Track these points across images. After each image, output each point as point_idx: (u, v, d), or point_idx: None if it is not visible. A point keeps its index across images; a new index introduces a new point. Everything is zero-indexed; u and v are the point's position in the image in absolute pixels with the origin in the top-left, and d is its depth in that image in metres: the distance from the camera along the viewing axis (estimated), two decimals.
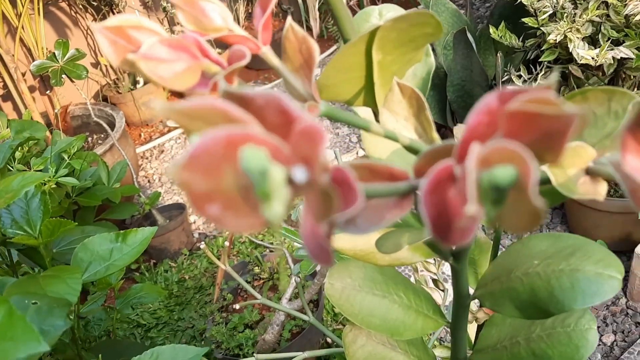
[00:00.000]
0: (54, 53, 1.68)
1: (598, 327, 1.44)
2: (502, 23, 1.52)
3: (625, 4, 1.19)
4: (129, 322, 1.58)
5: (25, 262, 0.55)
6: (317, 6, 2.98)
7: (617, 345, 1.40)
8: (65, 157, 1.36)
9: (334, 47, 2.87)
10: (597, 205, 1.54)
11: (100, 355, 0.49)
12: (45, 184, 1.22)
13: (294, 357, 0.62)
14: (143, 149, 2.34)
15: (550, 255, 0.38)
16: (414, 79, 0.32)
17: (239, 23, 2.79)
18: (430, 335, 0.85)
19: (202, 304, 1.58)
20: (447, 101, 1.77)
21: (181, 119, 0.16)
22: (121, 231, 0.53)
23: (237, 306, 0.79)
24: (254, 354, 1.17)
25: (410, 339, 0.56)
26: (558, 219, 1.74)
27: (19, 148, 1.31)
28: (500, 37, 1.53)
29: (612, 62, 1.34)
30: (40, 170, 1.26)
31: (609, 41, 1.31)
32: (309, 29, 3.04)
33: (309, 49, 0.24)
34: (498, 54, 1.48)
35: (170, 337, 1.54)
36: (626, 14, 1.19)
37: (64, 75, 1.69)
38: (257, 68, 2.81)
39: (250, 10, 2.84)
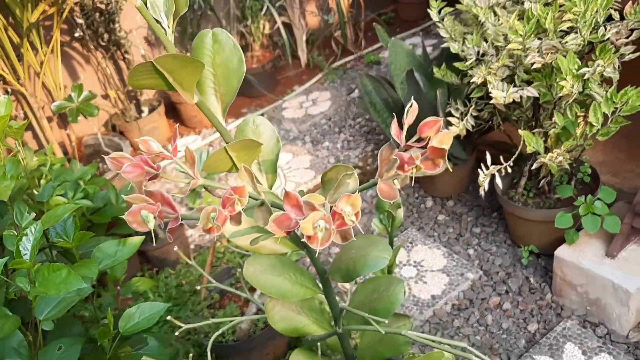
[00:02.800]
0: (70, 95, 1.99)
1: (524, 318, 1.72)
2: (443, 64, 1.81)
3: (526, 55, 1.48)
4: None
5: (61, 260, 0.85)
6: (304, 38, 3.30)
7: (538, 332, 1.67)
8: (81, 184, 1.67)
9: (319, 75, 3.17)
10: (527, 215, 1.82)
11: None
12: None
13: (236, 321, 0.91)
14: None
15: (360, 246, 0.68)
16: (255, 164, 0.62)
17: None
18: None
19: (196, 304, 1.87)
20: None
21: (130, 200, 0.45)
22: (122, 238, 0.83)
23: (198, 287, 1.07)
24: (233, 340, 1.47)
25: (309, 305, 0.86)
26: (502, 227, 2.02)
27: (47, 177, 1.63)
28: (443, 76, 1.83)
29: (527, 98, 1.64)
30: (62, 195, 1.57)
31: (522, 82, 1.60)
32: (297, 59, 3.36)
33: (194, 158, 0.53)
34: (438, 91, 1.78)
35: (169, 332, 1.83)
36: (527, 63, 1.48)
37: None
38: (250, 95, 3.12)
39: (243, 44, 3.15)
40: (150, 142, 0.49)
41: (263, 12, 2.99)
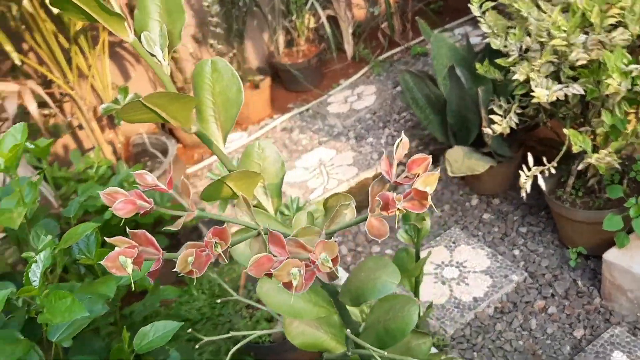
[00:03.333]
0: (117, 98, 2.05)
1: (571, 323, 1.66)
2: (486, 60, 1.75)
3: (571, 51, 1.41)
4: (178, 317, 1.93)
5: (87, 273, 0.88)
6: (350, 31, 3.27)
7: (585, 338, 1.61)
8: (126, 185, 1.72)
9: (365, 69, 3.14)
10: (575, 217, 1.75)
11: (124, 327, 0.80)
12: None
13: (254, 335, 0.92)
14: (195, 168, 2.70)
15: (370, 268, 0.67)
16: (260, 188, 0.61)
17: (278, 52, 3.12)
18: None
19: (237, 303, 1.90)
20: (448, 124, 2.01)
21: (112, 242, 0.46)
22: None
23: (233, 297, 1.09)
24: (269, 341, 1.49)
25: (328, 321, 0.85)
26: (550, 227, 1.95)
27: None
28: (485, 72, 1.77)
29: (573, 95, 1.56)
30: None
31: (568, 78, 1.53)
32: (343, 52, 3.33)
33: (188, 190, 0.53)
34: (479, 88, 1.72)
35: (211, 330, 1.88)
36: (572, 59, 1.42)
37: None
38: (296, 90, 3.12)
39: (289, 39, 3.15)
40: (145, 176, 0.49)
41: (308, 7, 2.98)
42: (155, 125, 3.04)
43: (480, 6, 1.67)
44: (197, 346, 1.04)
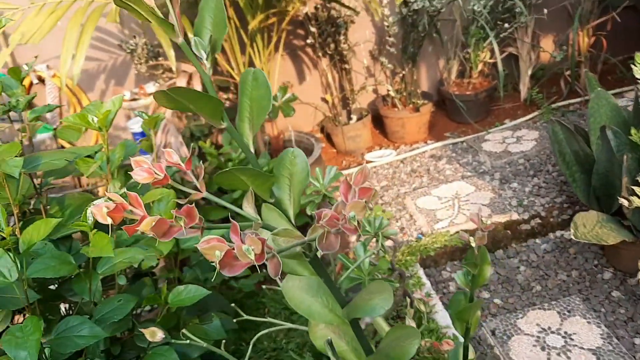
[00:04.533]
0: (276, 94, 2.26)
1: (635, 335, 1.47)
2: None
3: None
4: (280, 304, 2.06)
5: None
6: (529, 72, 3.16)
7: None
8: None
9: (535, 113, 3.01)
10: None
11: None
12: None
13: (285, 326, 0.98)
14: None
15: (372, 291, 0.71)
16: (286, 194, 0.68)
17: (449, 80, 3.13)
18: None
19: None
20: (592, 186, 1.88)
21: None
22: None
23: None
24: None
25: (351, 334, 0.90)
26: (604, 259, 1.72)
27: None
28: None
29: None
30: None
31: None
32: (518, 92, 3.23)
33: (200, 172, 0.62)
34: (625, 155, 1.59)
35: (306, 321, 1.98)
36: None
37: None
38: (458, 121, 3.10)
39: (462, 69, 3.14)
40: (172, 154, 0.59)
41: (486, 43, 2.95)
42: (316, 125, 3.24)
43: None
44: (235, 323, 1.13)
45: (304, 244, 0.59)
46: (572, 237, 1.67)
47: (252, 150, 0.65)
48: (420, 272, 2.10)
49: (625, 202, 1.58)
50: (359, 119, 3.04)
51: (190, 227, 0.54)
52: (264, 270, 2.07)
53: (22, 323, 0.73)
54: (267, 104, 0.62)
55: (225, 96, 2.76)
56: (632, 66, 1.54)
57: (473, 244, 0.90)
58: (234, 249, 0.47)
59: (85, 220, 0.80)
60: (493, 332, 1.85)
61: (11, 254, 0.75)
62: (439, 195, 2.50)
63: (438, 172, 2.70)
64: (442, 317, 1.84)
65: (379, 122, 3.18)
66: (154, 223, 0.51)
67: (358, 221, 0.52)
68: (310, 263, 0.73)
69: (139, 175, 0.57)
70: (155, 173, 0.58)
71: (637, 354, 1.68)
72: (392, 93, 2.99)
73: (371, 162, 2.91)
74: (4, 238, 0.74)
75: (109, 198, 0.52)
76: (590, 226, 1.69)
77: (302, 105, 2.83)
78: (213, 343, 1.02)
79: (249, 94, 0.64)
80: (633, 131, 1.63)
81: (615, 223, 1.78)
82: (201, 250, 0.47)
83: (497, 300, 1.98)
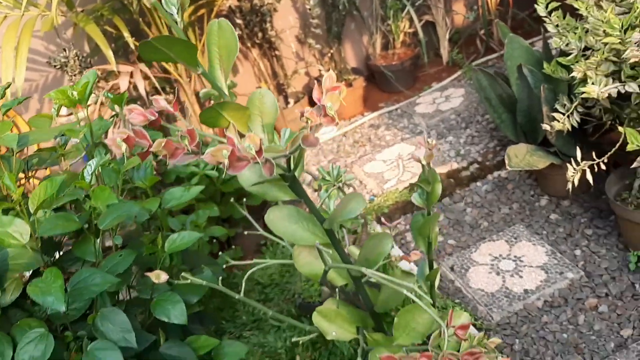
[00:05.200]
0: None
1: (620, 322, 1.66)
2: (554, 60, 1.80)
3: (626, 49, 1.45)
4: (252, 280, 2.15)
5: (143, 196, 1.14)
6: (447, 37, 3.36)
7: (632, 338, 1.61)
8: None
9: (458, 73, 3.21)
10: (637, 219, 1.74)
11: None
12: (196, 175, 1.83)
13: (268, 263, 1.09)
14: None
15: (346, 200, 0.82)
16: (259, 126, 0.79)
17: (375, 54, 3.29)
18: None
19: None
20: (518, 123, 2.07)
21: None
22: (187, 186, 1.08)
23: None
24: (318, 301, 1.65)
25: (333, 257, 1.01)
26: (616, 231, 1.93)
27: None
28: (553, 72, 1.82)
29: (636, 95, 1.58)
30: (195, 165, 1.88)
31: (628, 78, 1.55)
32: (439, 57, 3.43)
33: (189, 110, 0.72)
34: (542, 86, 1.78)
35: (279, 294, 2.08)
36: (626, 57, 1.45)
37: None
38: (389, 91, 3.27)
39: (386, 42, 3.31)
40: (160, 100, 0.69)
41: (404, 13, 3.12)
42: None
43: (547, 7, 1.73)
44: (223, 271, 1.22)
45: (287, 157, 0.69)
46: (507, 167, 1.84)
47: (227, 92, 0.75)
48: (377, 227, 2.24)
49: (548, 127, 1.77)
50: (296, 102, 3.16)
51: (192, 153, 0.64)
52: (235, 248, 2.13)
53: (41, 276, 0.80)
54: (233, 47, 0.73)
55: (164, 97, 2.81)
56: (536, 5, 1.73)
57: (423, 162, 1.03)
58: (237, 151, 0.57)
59: (83, 178, 0.87)
60: (452, 268, 2.01)
61: (23, 217, 0.82)
62: (384, 159, 2.65)
63: (379, 139, 2.85)
64: (402, 265, 1.99)
65: (316, 104, 3.30)
66: (163, 143, 0.60)
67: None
68: (290, 187, 0.84)
69: (135, 119, 0.66)
70: (148, 116, 0.67)
71: (579, 262, 1.88)
72: (323, 73, 3.12)
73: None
74: (12, 200, 0.81)
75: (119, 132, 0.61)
76: (522, 156, 1.87)
77: (239, 97, 2.91)
78: (203, 301, 1.12)
79: (216, 42, 0.73)
80: (545, 65, 1.81)
81: (542, 151, 1.97)
82: (209, 155, 0.57)
83: (451, 241, 2.15)
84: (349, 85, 3.13)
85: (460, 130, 2.68)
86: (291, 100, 3.19)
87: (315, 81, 3.28)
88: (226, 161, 0.57)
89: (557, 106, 1.78)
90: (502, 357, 0.81)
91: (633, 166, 1.59)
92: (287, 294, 2.05)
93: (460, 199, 2.31)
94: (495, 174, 2.37)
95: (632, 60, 1.43)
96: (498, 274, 1.92)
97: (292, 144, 0.68)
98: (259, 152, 0.59)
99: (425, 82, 3.27)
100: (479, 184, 2.35)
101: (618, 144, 1.57)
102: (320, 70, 3.12)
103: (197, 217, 1.48)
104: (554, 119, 1.76)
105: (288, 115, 3.09)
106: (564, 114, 1.75)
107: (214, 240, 2.07)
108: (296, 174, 0.79)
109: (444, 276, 2.00)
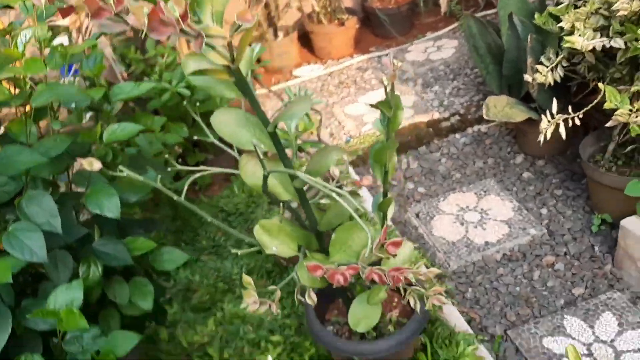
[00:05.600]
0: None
1: (573, 281, 1.67)
2: (545, 10, 1.75)
3: (616, 0, 1.39)
4: (217, 207, 2.13)
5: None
6: None
7: (582, 297, 1.61)
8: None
9: (454, 25, 3.13)
10: (606, 181, 1.73)
11: None
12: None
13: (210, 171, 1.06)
14: (264, 91, 2.86)
15: (293, 103, 0.78)
16: (209, 16, 0.74)
17: None
18: None
19: (269, 204, 2.07)
20: (504, 75, 2.02)
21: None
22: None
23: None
24: None
25: (281, 176, 0.97)
26: (586, 194, 1.92)
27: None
28: (543, 23, 1.76)
29: (622, 53, 1.54)
30: (169, 82, 1.83)
31: (616, 33, 1.51)
32: (438, 6, 3.34)
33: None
34: (529, 36, 1.73)
35: (242, 223, 2.06)
36: (612, 10, 1.40)
37: None
38: (382, 36, 3.19)
39: None
40: None
41: None
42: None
43: None
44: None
45: (228, 42, 0.65)
46: (484, 116, 1.81)
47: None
48: (350, 169, 2.22)
49: (529, 79, 1.72)
50: (285, 36, 3.07)
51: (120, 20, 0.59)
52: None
53: None
54: None
55: None
56: None
57: (385, 82, 0.98)
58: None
59: (15, 47, 0.83)
60: (417, 215, 2.00)
61: None
62: (366, 102, 2.60)
63: (364, 82, 2.79)
64: (370, 206, 1.97)
65: (306, 41, 3.22)
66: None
67: None
68: (235, 85, 0.80)
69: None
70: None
71: (543, 221, 1.87)
72: (317, 8, 3.03)
73: (299, 77, 2.96)
74: None
75: None
76: (501, 107, 1.83)
77: (225, 25, 2.82)
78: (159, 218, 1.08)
79: None
80: (537, 15, 1.75)
81: (523, 105, 1.93)
82: (132, 17, 0.53)
83: (421, 189, 2.13)
84: (342, 24, 3.04)
85: (448, 81, 2.62)
86: (280, 34, 3.10)
87: (307, 18, 3.21)
88: (146, 20, 0.53)
89: (543, 59, 1.73)
90: (424, 268, 0.80)
91: (607, 125, 1.56)
92: (250, 224, 2.04)
93: (436, 149, 2.28)
94: (476, 127, 2.33)
95: (621, 13, 1.38)
96: (462, 224, 1.91)
97: (232, 27, 0.63)
98: (184, 16, 0.54)
99: (421, 30, 3.19)
100: (457, 135, 2.32)
101: (595, 101, 1.54)
102: (313, 5, 3.02)
103: (152, 122, 1.44)
104: (537, 71, 1.71)
105: (276, 49, 3.02)
106: (547, 67, 1.71)
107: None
108: (241, 67, 0.75)
109: (408, 222, 1.99)
